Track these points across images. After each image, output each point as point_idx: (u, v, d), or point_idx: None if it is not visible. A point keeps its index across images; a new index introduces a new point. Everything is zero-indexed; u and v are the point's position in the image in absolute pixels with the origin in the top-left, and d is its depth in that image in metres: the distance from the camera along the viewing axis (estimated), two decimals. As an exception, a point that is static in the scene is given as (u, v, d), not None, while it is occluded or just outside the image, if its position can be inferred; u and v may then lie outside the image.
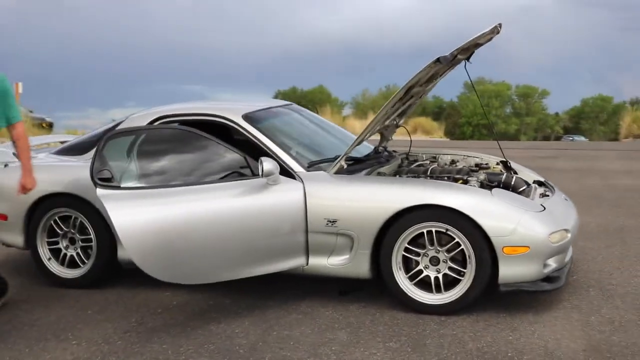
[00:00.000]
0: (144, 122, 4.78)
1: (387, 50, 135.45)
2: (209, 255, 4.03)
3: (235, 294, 4.55)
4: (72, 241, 4.82)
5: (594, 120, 61.21)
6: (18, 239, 4.92)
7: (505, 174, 4.70)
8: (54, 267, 4.85)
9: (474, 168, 5.08)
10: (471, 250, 4.01)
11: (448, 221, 4.01)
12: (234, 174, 4.20)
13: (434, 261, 4.13)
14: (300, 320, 4.07)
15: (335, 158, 4.53)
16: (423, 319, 4.06)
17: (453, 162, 5.39)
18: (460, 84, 52.43)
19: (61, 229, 4.81)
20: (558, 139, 49.75)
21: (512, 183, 4.60)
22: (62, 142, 5.91)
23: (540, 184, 5.07)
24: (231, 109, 4.74)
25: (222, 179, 4.18)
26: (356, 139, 4.44)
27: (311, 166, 4.43)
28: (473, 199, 4.07)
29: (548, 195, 4.68)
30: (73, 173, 4.74)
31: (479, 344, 3.67)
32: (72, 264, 4.83)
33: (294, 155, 4.47)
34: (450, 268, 4.10)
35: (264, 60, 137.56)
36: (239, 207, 4.08)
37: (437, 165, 5.07)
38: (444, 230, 4.05)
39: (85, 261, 4.79)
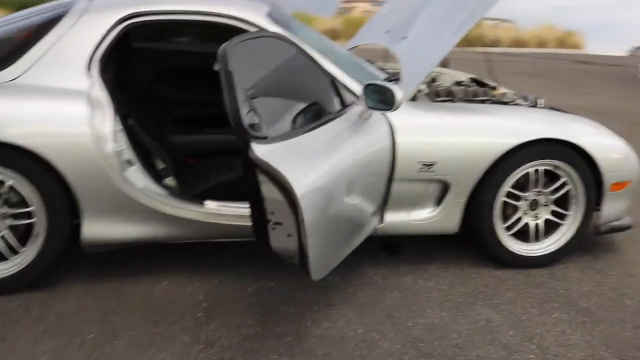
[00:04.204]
0: (107, 21, 3.00)
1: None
2: (350, 223, 2.74)
3: (264, 275, 3.25)
4: (-9, 219, 2.89)
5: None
6: None
7: (533, 95, 4.08)
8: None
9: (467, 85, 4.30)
10: (581, 190, 3.41)
11: (563, 157, 3.32)
12: (318, 105, 2.85)
13: (533, 205, 3.43)
14: (409, 299, 3.04)
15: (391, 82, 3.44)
16: (528, 274, 3.36)
17: (458, 83, 4.52)
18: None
19: (-26, 200, 2.83)
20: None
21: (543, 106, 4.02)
22: None
23: None
24: (245, 5, 3.22)
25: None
26: (440, 55, 3.35)
27: (371, 90, 3.26)
28: (588, 130, 3.45)
29: None
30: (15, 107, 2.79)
31: (636, 298, 3.15)
32: (-8, 255, 2.92)
33: (353, 75, 3.25)
34: (553, 212, 3.45)
35: None
36: (360, 152, 2.78)
37: (465, 87, 4.17)
38: (552, 169, 3.36)
39: (20, 248, 2.91)
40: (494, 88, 4.14)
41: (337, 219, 2.57)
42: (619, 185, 3.45)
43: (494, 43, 37.31)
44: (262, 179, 2.26)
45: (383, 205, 3.19)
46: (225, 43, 2.30)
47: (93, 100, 2.86)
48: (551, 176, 3.40)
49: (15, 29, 3.10)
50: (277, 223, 2.35)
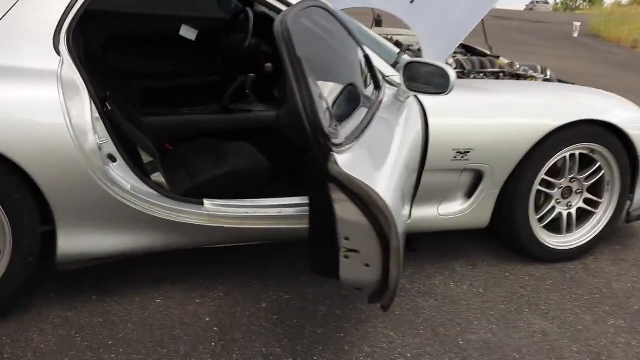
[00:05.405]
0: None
1: None
2: None
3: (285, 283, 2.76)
4: None
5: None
6: None
7: (538, 65, 3.69)
8: None
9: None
10: (617, 175, 3.08)
11: (600, 139, 2.97)
12: (354, 87, 2.34)
13: (566, 194, 3.08)
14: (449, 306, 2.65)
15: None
16: (563, 270, 3.02)
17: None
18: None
19: None
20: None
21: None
22: None
23: None
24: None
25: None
26: (472, 20, 2.88)
27: (394, 67, 2.78)
28: (619, 106, 3.11)
29: None
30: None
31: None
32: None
33: (375, 50, 2.77)
34: (585, 200, 3.11)
35: None
36: (405, 147, 2.30)
37: (462, 55, 3.72)
38: (587, 152, 3.01)
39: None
40: (497, 57, 3.74)
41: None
42: (652, 168, 3.14)
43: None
44: (339, 196, 1.74)
45: (412, 200, 2.76)
46: (280, 17, 1.74)
47: (65, 82, 2.25)
48: (582, 160, 3.06)
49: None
50: (352, 250, 1.85)
